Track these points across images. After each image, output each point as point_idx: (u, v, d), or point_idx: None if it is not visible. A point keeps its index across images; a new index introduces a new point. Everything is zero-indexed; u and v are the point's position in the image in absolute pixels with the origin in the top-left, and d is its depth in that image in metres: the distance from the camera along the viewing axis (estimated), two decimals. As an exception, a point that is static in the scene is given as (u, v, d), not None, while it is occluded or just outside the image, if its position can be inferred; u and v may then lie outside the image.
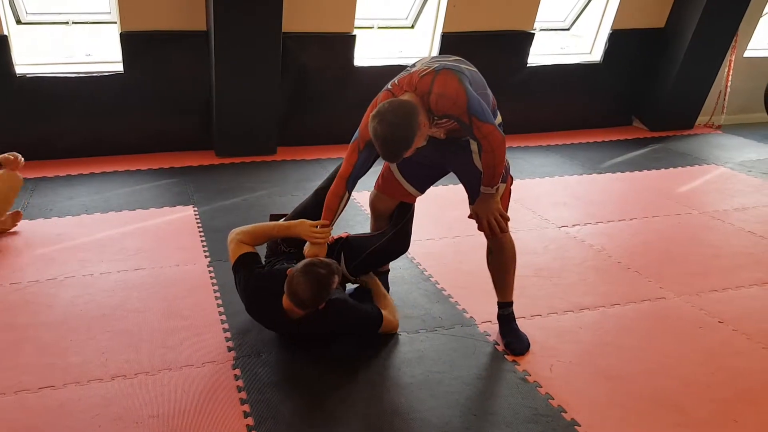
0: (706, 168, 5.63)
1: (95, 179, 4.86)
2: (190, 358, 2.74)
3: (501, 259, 2.87)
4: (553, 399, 2.56)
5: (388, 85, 2.62)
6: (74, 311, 3.08)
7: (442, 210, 4.25)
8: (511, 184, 2.86)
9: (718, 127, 7.03)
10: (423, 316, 3.10)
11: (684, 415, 2.50)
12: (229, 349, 2.81)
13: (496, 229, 2.72)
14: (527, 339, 2.90)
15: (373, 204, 3.11)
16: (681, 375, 2.74)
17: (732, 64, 6.81)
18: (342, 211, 2.78)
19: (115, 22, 5.16)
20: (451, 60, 2.60)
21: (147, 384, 2.57)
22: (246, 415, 2.42)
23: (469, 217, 2.79)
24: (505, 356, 2.83)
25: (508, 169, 2.79)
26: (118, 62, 5.18)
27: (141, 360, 2.72)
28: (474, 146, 2.70)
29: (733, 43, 6.59)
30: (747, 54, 7.02)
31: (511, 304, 2.93)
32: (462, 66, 2.57)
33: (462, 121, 2.51)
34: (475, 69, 2.65)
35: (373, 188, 3.09)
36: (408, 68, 2.64)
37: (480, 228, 2.76)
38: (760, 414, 2.52)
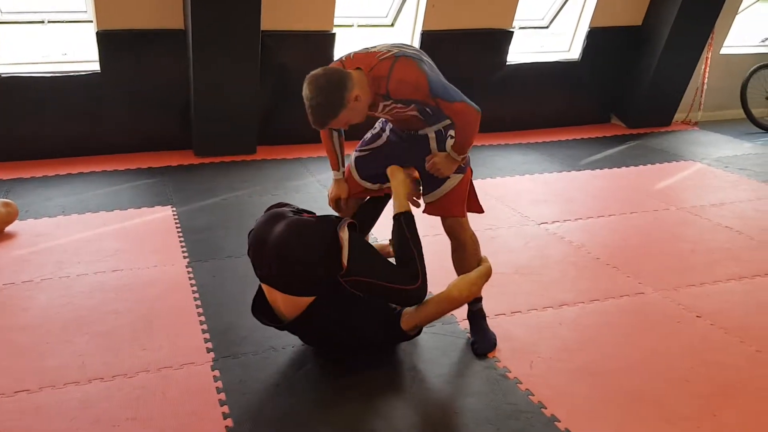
0: (683, 164, 5.69)
1: (72, 180, 4.81)
2: (169, 359, 2.72)
3: (463, 256, 2.88)
4: (533, 395, 2.57)
5: (342, 57, 2.62)
6: (51, 314, 3.04)
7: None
8: (471, 174, 2.88)
9: (695, 124, 7.10)
10: (404, 315, 3.10)
11: (663, 409, 2.52)
12: (209, 350, 2.79)
13: (439, 174, 2.70)
14: (494, 338, 2.89)
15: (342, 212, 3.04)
16: (660, 370, 2.76)
17: (708, 62, 6.88)
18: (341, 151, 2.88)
19: (92, 21, 5.10)
20: (411, 49, 2.62)
21: (125, 386, 2.54)
22: (225, 416, 2.40)
23: (427, 158, 2.73)
24: (487, 353, 2.84)
25: (467, 162, 2.82)
26: (95, 61, 5.12)
27: (119, 362, 2.69)
28: (433, 143, 2.73)
29: (709, 41, 6.66)
30: (723, 51, 7.10)
31: (479, 300, 2.93)
32: (423, 57, 2.60)
33: (428, 104, 2.54)
34: (430, 61, 2.67)
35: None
36: (368, 48, 2.64)
37: (427, 165, 2.72)
38: (739, 407, 2.55)
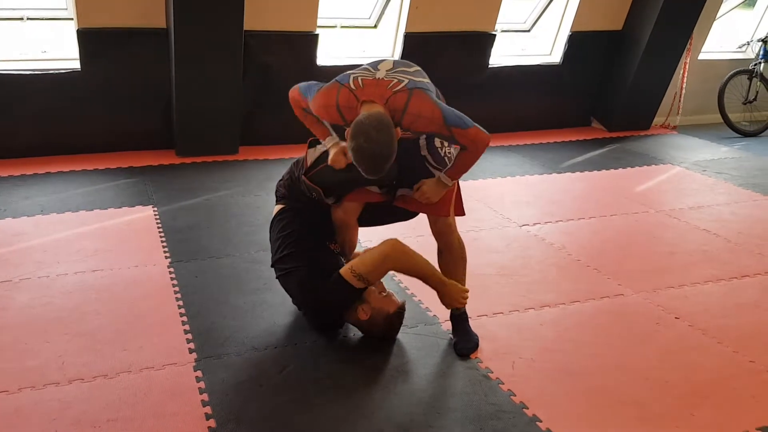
0: (662, 168, 5.76)
1: (51, 179, 4.75)
2: (151, 360, 2.70)
3: (449, 260, 2.90)
4: (515, 395, 2.59)
5: (350, 84, 2.55)
6: (30, 314, 3.00)
7: (405, 209, 4.27)
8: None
9: (674, 128, 7.19)
10: (386, 315, 3.11)
11: (643, 409, 2.55)
12: (191, 351, 2.78)
13: (427, 201, 2.76)
14: (476, 339, 2.91)
15: (341, 217, 3.00)
16: (639, 370, 2.80)
17: (687, 66, 6.97)
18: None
19: (72, 19, 5.06)
20: (413, 71, 2.62)
21: (106, 387, 2.52)
22: (208, 417, 2.39)
23: (415, 187, 2.77)
24: (469, 354, 2.85)
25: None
26: (75, 59, 5.07)
27: (99, 363, 2.67)
28: (422, 140, 2.75)
29: (688, 46, 6.75)
30: (701, 56, 7.20)
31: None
32: (424, 81, 2.61)
33: (442, 135, 2.57)
34: (428, 79, 2.68)
35: (335, 205, 2.97)
36: (369, 68, 2.61)
37: (414, 196, 2.78)
38: (716, 407, 2.59)
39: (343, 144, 2.85)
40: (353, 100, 2.53)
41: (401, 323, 2.90)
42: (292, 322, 3.03)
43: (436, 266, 2.92)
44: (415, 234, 3.81)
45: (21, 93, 4.99)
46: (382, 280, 2.97)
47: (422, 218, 3.00)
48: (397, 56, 5.87)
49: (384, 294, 2.87)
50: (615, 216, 4.55)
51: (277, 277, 3.00)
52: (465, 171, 2.70)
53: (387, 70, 2.57)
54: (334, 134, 2.88)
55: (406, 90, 2.49)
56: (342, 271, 2.77)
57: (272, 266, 3.01)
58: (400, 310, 2.86)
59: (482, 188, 4.95)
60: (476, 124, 2.56)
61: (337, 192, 2.90)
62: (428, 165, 2.78)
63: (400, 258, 2.76)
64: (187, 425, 2.34)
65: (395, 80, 2.53)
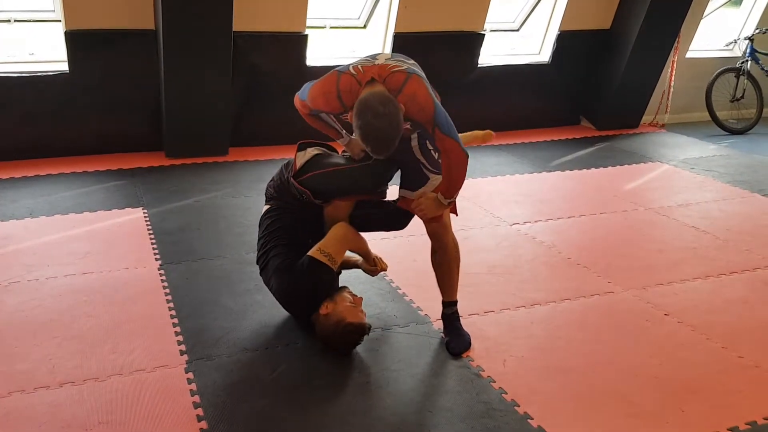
0: (651, 166, 5.79)
1: (40, 182, 4.73)
2: (141, 362, 2.69)
3: (443, 259, 2.91)
4: (507, 393, 2.60)
5: (350, 69, 2.60)
6: (20, 317, 2.99)
7: (395, 209, 4.27)
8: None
9: (662, 126, 7.23)
10: (378, 315, 3.11)
11: (633, 406, 2.57)
12: (182, 353, 2.77)
13: (423, 215, 2.77)
14: (468, 338, 2.92)
15: (331, 213, 3.00)
16: (629, 367, 2.82)
17: (675, 65, 7.01)
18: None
19: (60, 21, 5.03)
20: (410, 63, 2.65)
21: (96, 390, 2.51)
22: (199, 419, 2.39)
23: (413, 205, 2.77)
24: (461, 353, 2.86)
25: None
26: (63, 61, 5.05)
27: (90, 366, 2.66)
28: (414, 141, 2.76)
29: (675, 45, 6.79)
30: (689, 55, 7.24)
31: (455, 303, 2.96)
32: (421, 73, 2.63)
33: (426, 129, 2.58)
34: (424, 73, 2.69)
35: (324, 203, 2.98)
36: (368, 58, 2.65)
37: (412, 207, 2.80)
38: (705, 402, 2.61)
39: (355, 139, 2.88)
40: (355, 85, 2.56)
41: (350, 341, 2.77)
42: (283, 322, 3.03)
43: (432, 265, 2.96)
44: (406, 233, 3.82)
45: (8, 95, 4.96)
46: (362, 298, 2.93)
47: (416, 218, 3.01)
48: (386, 56, 5.88)
49: (353, 306, 2.79)
50: (604, 214, 4.57)
51: (260, 273, 3.01)
52: (457, 187, 2.67)
53: (386, 59, 2.62)
54: (345, 134, 2.91)
55: (405, 72, 2.54)
56: (311, 252, 2.78)
57: (257, 263, 3.02)
58: (356, 327, 2.73)
59: (472, 187, 4.96)
60: (459, 140, 2.56)
61: (327, 197, 2.92)
62: (424, 168, 2.79)
63: (354, 238, 2.94)
64: (179, 427, 2.34)
65: (394, 63, 2.58)
